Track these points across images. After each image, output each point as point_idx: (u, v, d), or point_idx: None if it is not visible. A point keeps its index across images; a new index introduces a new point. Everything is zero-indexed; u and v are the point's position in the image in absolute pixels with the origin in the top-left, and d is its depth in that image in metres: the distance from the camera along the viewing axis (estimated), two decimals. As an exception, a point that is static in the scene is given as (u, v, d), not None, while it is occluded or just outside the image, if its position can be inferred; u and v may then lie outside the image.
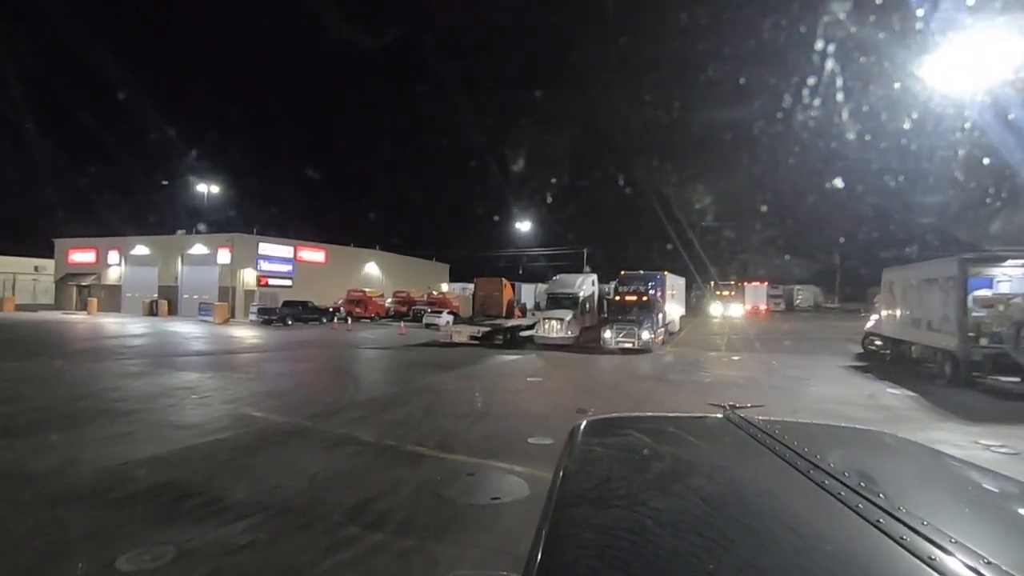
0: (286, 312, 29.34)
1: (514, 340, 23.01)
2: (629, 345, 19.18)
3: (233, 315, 31.48)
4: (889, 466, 1.43)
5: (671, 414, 1.95)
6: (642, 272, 22.70)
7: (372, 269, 44.58)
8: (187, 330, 25.22)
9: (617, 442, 1.50)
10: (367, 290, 37.10)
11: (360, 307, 34.61)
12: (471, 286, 57.21)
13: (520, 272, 52.12)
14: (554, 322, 20.55)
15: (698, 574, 0.81)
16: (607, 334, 19.56)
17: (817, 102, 13.46)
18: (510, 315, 31.82)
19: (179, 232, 36.31)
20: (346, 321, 31.18)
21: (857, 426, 1.80)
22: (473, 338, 21.17)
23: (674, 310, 25.57)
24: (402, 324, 28.09)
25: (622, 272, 22.92)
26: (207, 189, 37.55)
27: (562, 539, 0.94)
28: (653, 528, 0.97)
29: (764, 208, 53.11)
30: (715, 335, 27.25)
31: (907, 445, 1.56)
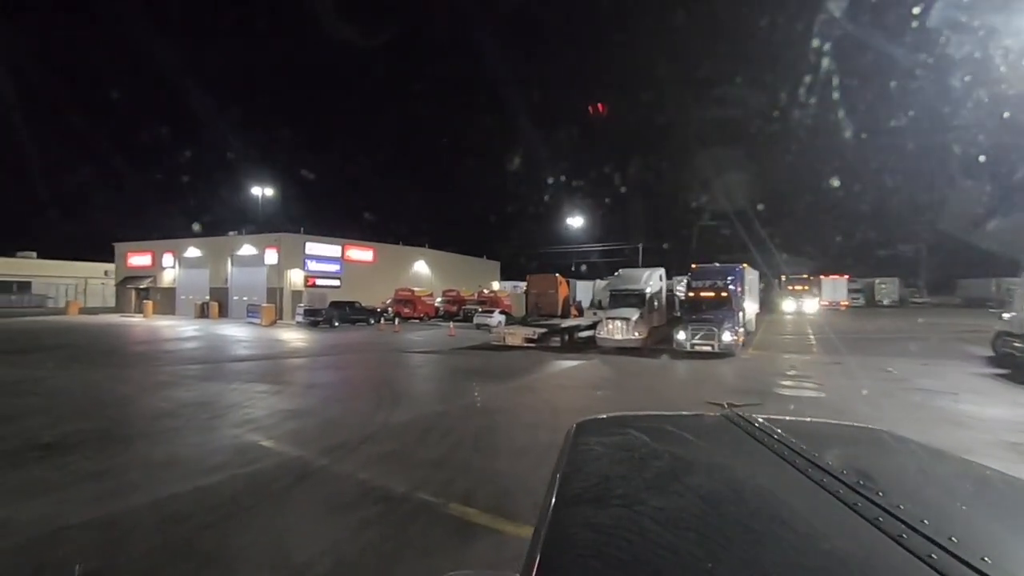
0: (333, 313, 28.29)
1: (572, 342, 20.85)
2: (707, 348, 16.64)
3: (281, 316, 30.79)
4: (888, 464, 1.41)
5: (669, 412, 1.83)
6: (718, 264, 19.94)
7: (421, 268, 43.35)
8: (232, 333, 24.45)
9: (615, 441, 1.48)
10: (416, 289, 35.79)
11: (408, 307, 33.29)
12: (522, 284, 55.56)
13: (572, 269, 49.88)
14: (618, 322, 18.21)
15: (697, 573, 0.81)
16: (681, 335, 17.07)
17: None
18: (566, 314, 29.70)
19: (231, 234, 36.15)
20: (394, 322, 29.86)
21: (856, 424, 1.74)
22: (528, 340, 19.13)
23: (750, 307, 22.66)
24: (451, 325, 26.43)
25: (693, 265, 20.22)
26: (261, 192, 37.24)
27: (560, 539, 0.93)
28: (652, 527, 0.96)
29: (836, 188, 48.02)
30: (798, 335, 24.09)
31: (906, 443, 1.52)
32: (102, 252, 45.39)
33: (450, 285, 41.11)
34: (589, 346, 19.59)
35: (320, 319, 27.61)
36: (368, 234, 39.71)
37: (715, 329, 16.73)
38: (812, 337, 22.67)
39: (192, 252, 36.47)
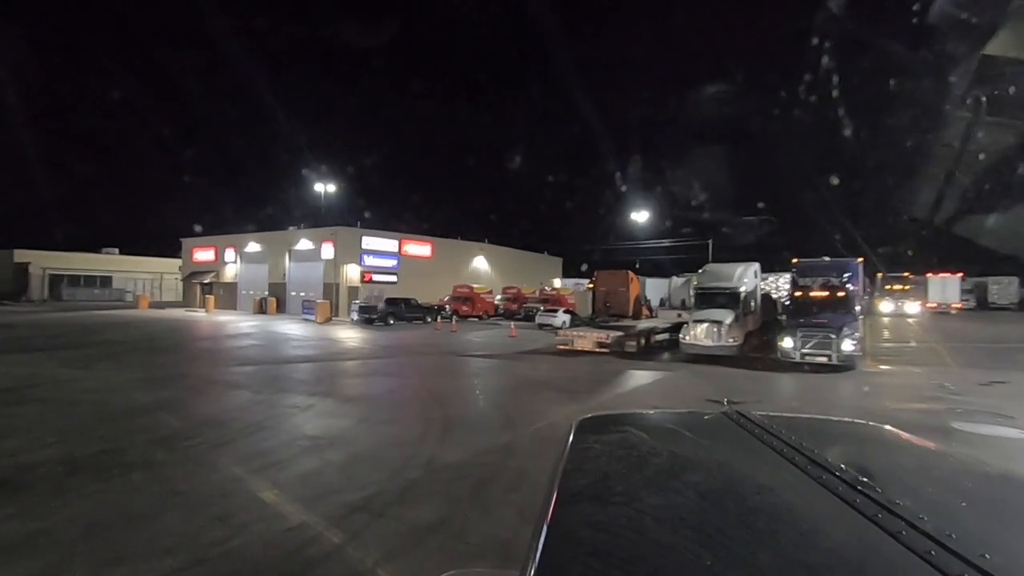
0: (388, 311, 26.89)
1: (649, 347, 18.25)
2: (822, 359, 13.66)
3: (336, 313, 29.80)
4: (887, 461, 1.39)
5: (668, 410, 1.89)
6: (827, 259, 16.70)
7: (480, 264, 41.59)
8: (284, 330, 23.44)
9: (615, 439, 1.46)
10: (474, 286, 34.02)
11: (467, 305, 31.53)
12: (584, 282, 52.89)
13: (636, 266, 46.72)
14: (708, 326, 15.46)
15: (696, 570, 0.80)
16: (787, 343, 14.15)
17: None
18: (637, 315, 26.94)
19: (291, 228, 35.72)
20: (451, 320, 28.16)
21: (855, 420, 1.73)
22: (600, 345, 16.71)
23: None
24: (512, 325, 24.35)
25: (795, 260, 17.09)
26: (322, 188, 36.57)
27: (560, 536, 0.93)
28: (651, 525, 0.96)
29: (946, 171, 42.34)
30: (918, 343, 20.32)
31: (905, 440, 1.53)
32: (178, 248, 46.68)
33: (510, 282, 39.13)
34: (670, 352, 16.98)
35: (375, 317, 26.28)
36: (426, 229, 38.35)
37: (832, 336, 13.73)
38: (942, 346, 18.92)
39: (252, 247, 36.34)
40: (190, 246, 41.17)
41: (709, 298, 16.59)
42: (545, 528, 0.93)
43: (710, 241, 43.23)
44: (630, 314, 25.97)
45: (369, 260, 32.93)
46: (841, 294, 14.96)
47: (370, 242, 33.18)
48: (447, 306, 30.52)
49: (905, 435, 1.53)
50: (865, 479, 1.01)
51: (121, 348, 16.28)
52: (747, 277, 17.05)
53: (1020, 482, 1.19)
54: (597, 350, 16.57)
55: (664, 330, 19.71)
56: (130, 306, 38.65)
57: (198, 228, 41.48)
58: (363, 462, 6.01)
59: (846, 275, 15.42)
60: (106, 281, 50.24)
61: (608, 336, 16.56)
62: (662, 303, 34.38)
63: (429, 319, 28.45)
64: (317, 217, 34.66)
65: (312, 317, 27.82)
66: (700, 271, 18.29)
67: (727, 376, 12.87)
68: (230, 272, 37.75)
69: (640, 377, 12.70)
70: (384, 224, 35.63)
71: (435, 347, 18.51)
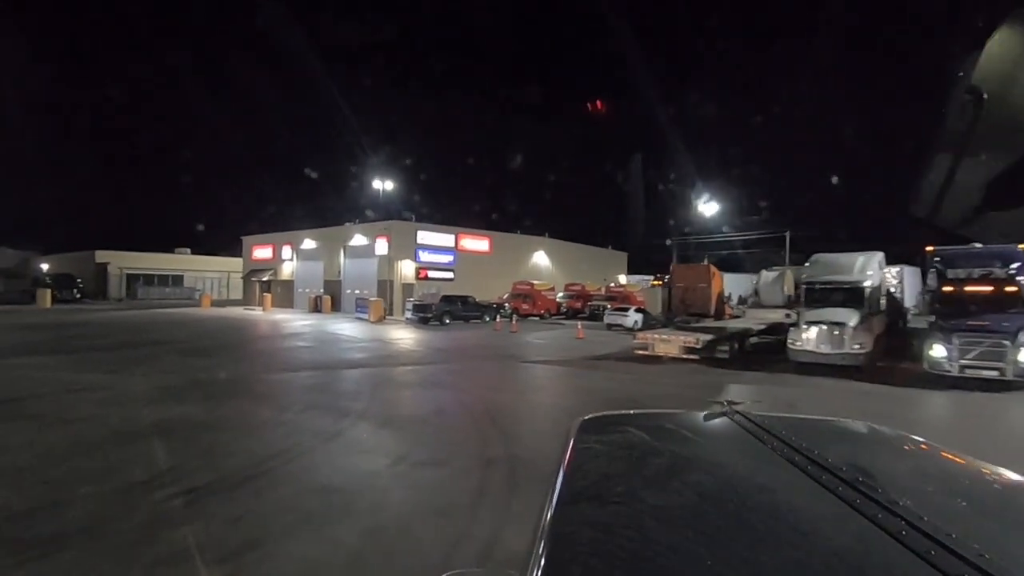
0: (444, 309, 25.13)
1: (743, 352, 15.42)
2: (992, 374, 10.54)
3: (390, 311, 28.40)
4: (888, 461, 1.39)
5: (669, 410, 1.84)
6: (978, 246, 13.27)
7: (540, 259, 39.23)
8: (335, 330, 22.10)
9: (615, 439, 1.47)
10: (535, 283, 31.80)
11: (527, 303, 29.36)
12: (648, 278, 49.52)
13: (704, 261, 43.02)
14: (827, 329, 12.52)
15: (697, 570, 0.80)
16: (940, 351, 11.07)
17: None
18: (719, 314, 23.83)
19: (346, 224, 34.76)
20: (511, 320, 26.08)
21: (856, 420, 1.73)
22: (688, 350, 14.05)
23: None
24: (579, 326, 21.92)
25: (929, 249, 13.75)
26: (380, 184, 35.15)
27: (561, 536, 0.93)
28: (651, 524, 0.96)
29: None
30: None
31: (906, 440, 1.52)
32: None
33: (572, 278, 36.64)
34: (770, 359, 14.14)
35: (430, 315, 24.59)
36: (483, 223, 36.38)
37: (1006, 344, 10.57)
38: None
39: (308, 244, 35.67)
40: (250, 244, 41.25)
41: (823, 295, 13.60)
42: (546, 528, 0.92)
43: (787, 233, 39.11)
44: (711, 312, 22.96)
45: (424, 256, 31.38)
46: (1011, 289, 11.64)
47: (425, 237, 31.61)
48: (506, 304, 28.47)
49: (906, 435, 1.53)
50: (865, 479, 1.00)
51: (163, 349, 15.20)
52: (871, 269, 13.91)
53: (1020, 483, 1.17)
54: (684, 356, 13.94)
55: (758, 332, 16.81)
56: (197, 304, 39.11)
57: (256, 226, 41.60)
58: (385, 549, 3.90)
59: (1015, 266, 12.06)
60: (177, 280, 51.86)
61: (698, 340, 13.87)
62: (741, 300, 30.99)
63: (487, 318, 26.53)
64: (373, 212, 33.44)
65: (365, 316, 26.51)
66: (809, 262, 15.15)
67: (867, 396, 10.03)
68: (287, 270, 37.35)
69: (749, 395, 10.05)
70: (440, 219, 34.07)
71: (494, 350, 16.43)
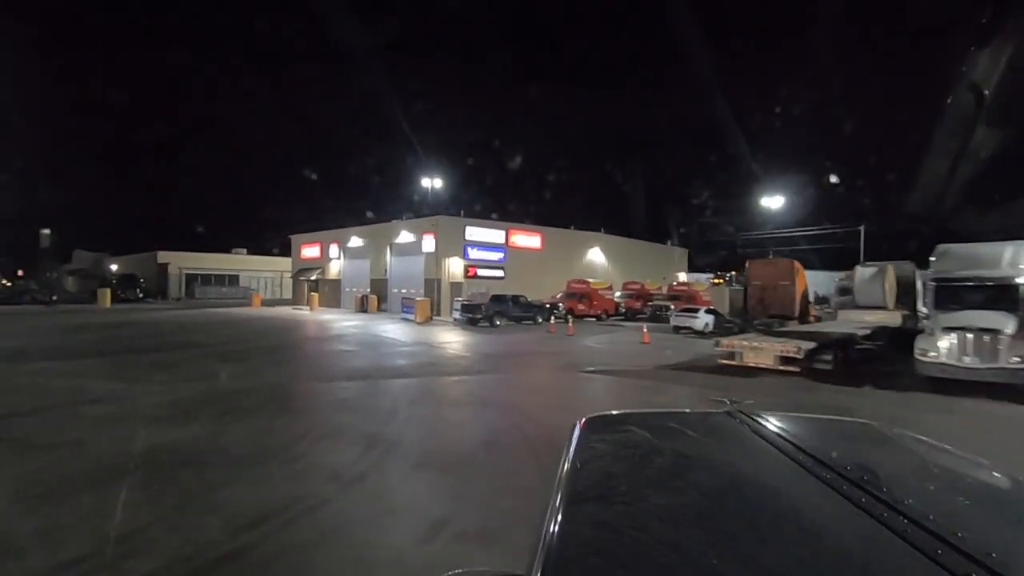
0: (494, 309, 23.49)
1: (848, 363, 12.89)
2: None
3: (437, 312, 27.01)
4: (892, 460, 1.37)
5: (672, 410, 1.83)
6: None
7: (596, 256, 36.95)
8: (380, 331, 20.84)
9: (619, 439, 1.46)
10: (591, 281, 29.70)
11: (583, 303, 27.31)
12: (704, 276, 46.19)
13: (771, 258, 39.63)
14: (974, 338, 9.97)
15: (700, 569, 0.80)
16: None
17: None
18: (804, 316, 21.16)
19: (392, 221, 33.71)
20: (566, 321, 24.18)
21: (859, 419, 1.72)
22: (785, 361, 11.72)
23: None
24: (644, 329, 19.73)
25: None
26: (430, 181, 33.81)
27: (565, 536, 0.91)
28: (655, 524, 0.95)
29: None
30: None
31: (909, 439, 1.51)
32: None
33: (629, 276, 34.25)
34: (884, 372, 11.69)
35: (479, 316, 23.00)
36: (535, 218, 34.44)
37: None
38: None
39: (355, 242, 34.82)
40: (299, 243, 41.01)
41: (960, 295, 11.03)
42: (550, 528, 0.91)
43: (862, 227, 35.31)
44: (795, 315, 20.29)
45: (473, 253, 29.80)
46: None
47: (474, 233, 30.03)
48: (560, 304, 26.53)
49: (910, 434, 1.52)
50: (870, 478, 1.00)
51: (198, 352, 14.23)
52: (1023, 262, 11.19)
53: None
54: (782, 368, 11.63)
55: (863, 338, 14.22)
56: (244, 304, 39.22)
57: (308, 225, 41.33)
58: None
59: None
60: (234, 279, 52.82)
61: (799, 348, 11.53)
62: (819, 299, 27.89)
63: (540, 319, 24.68)
64: (421, 208, 32.18)
65: (411, 316, 25.23)
66: (936, 254, 12.45)
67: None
68: (334, 268, 36.73)
69: (913, 429, 7.79)
70: (489, 215, 32.42)
71: (552, 357, 14.59)
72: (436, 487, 5.17)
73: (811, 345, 11.84)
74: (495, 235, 30.90)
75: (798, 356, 11.49)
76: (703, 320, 20.90)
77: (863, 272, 19.55)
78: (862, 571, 0.78)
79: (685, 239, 47.82)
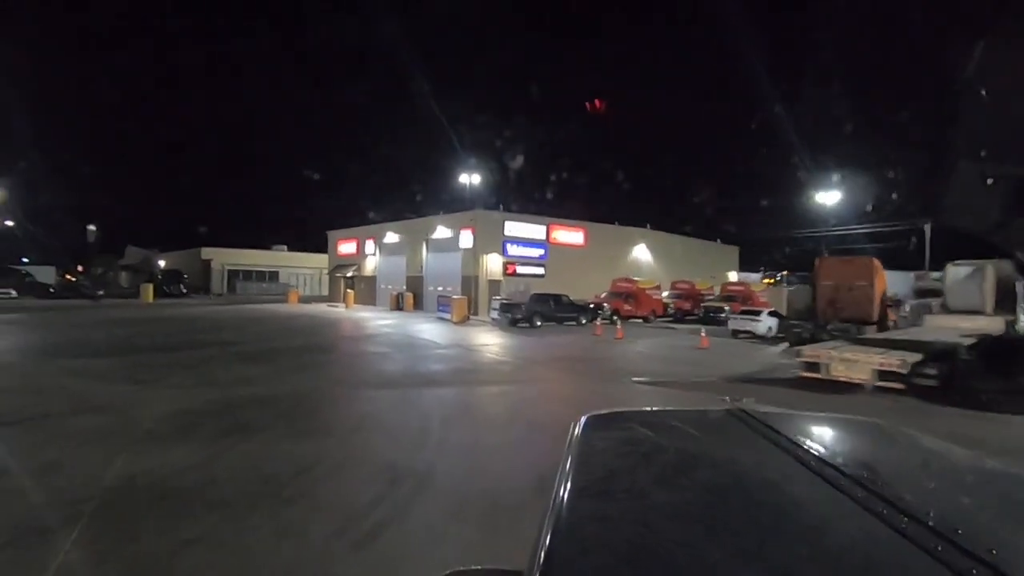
0: (535, 309, 22.11)
1: (958, 378, 10.88)
2: None
3: (475, 311, 25.79)
4: (893, 457, 1.36)
5: (674, 408, 1.76)
6: None
7: (641, 253, 35.01)
8: (415, 332, 19.74)
9: (621, 436, 1.43)
10: (638, 280, 27.93)
11: (630, 303, 25.62)
12: (752, 276, 43.31)
13: (826, 254, 36.67)
14: None
15: (703, 566, 0.80)
16: None
17: None
18: (883, 322, 18.87)
19: (429, 216, 32.70)
20: (612, 322, 22.54)
21: (860, 417, 1.66)
22: (883, 375, 9.89)
23: None
24: (702, 333, 17.92)
25: None
26: (468, 176, 32.57)
27: (566, 532, 0.90)
28: (658, 520, 0.95)
29: None
30: None
31: (911, 436, 1.49)
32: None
33: (676, 275, 32.27)
34: (1005, 390, 9.73)
35: (519, 316, 21.66)
36: (577, 213, 32.66)
37: None
38: None
39: (391, 237, 33.95)
40: (335, 239, 40.56)
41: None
42: (551, 524, 0.91)
43: (927, 225, 32.16)
44: (873, 319, 18.04)
45: (512, 249, 28.43)
46: None
47: (513, 228, 28.64)
48: (605, 304, 24.90)
49: (911, 432, 1.52)
50: (871, 475, 1.00)
51: (223, 352, 13.39)
52: None
53: None
54: (884, 384, 9.78)
55: (967, 348, 12.14)
56: (281, 300, 39.12)
57: (345, 221, 40.91)
58: None
59: None
60: (274, 276, 53.26)
61: (903, 361, 9.67)
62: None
63: (583, 320, 23.13)
64: (459, 203, 31.00)
65: (447, 315, 24.09)
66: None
67: None
68: (370, 265, 36.01)
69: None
70: (529, 209, 30.98)
71: (601, 364, 13.09)
72: (475, 549, 3.82)
73: (918, 357, 9.96)
74: (535, 230, 29.45)
75: (902, 371, 9.64)
76: (765, 323, 18.94)
77: (956, 271, 17.15)
78: (863, 568, 0.77)
79: (735, 237, 45.19)
